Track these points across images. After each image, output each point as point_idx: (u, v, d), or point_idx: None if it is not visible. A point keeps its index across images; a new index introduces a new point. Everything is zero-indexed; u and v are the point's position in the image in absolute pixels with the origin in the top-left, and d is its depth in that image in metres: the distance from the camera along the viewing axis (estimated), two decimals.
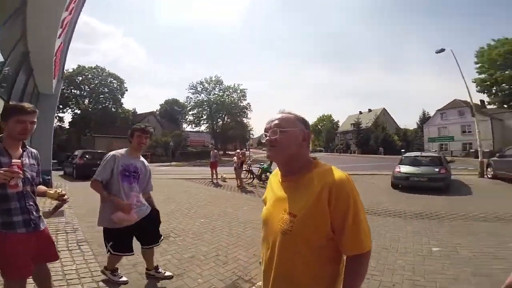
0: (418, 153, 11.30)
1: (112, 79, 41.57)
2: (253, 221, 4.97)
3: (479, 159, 12.68)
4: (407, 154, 11.01)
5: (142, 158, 2.59)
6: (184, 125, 53.03)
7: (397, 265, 3.02)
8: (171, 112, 54.21)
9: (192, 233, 4.25)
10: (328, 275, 1.04)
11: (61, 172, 14.93)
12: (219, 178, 11.29)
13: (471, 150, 32.36)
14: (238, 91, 50.13)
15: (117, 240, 2.36)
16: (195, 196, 7.68)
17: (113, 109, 41.33)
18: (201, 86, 50.06)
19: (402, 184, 8.83)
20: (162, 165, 25.74)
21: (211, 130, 50.17)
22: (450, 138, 38.00)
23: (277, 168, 1.25)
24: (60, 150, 26.38)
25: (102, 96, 40.79)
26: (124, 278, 2.54)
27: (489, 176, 11.17)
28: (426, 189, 8.23)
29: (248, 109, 50.61)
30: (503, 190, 8.49)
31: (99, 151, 15.40)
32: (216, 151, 12.10)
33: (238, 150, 11.71)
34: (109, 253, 2.42)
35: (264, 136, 1.12)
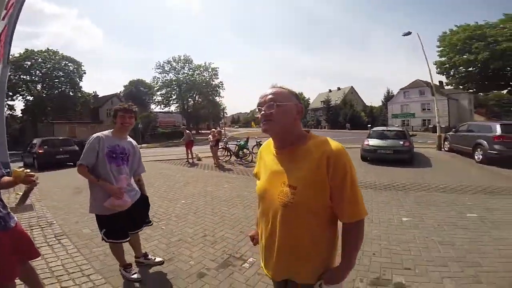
0: (384, 128, 11.98)
1: (67, 62, 37.70)
2: (236, 199, 5.03)
3: (437, 134, 13.85)
4: (375, 129, 11.53)
5: (130, 139, 2.45)
6: (152, 106, 50.69)
7: (374, 234, 3.25)
8: (137, 93, 51.20)
9: (175, 216, 4.19)
10: (327, 238, 1.10)
11: (21, 163, 13.65)
12: (194, 158, 11.11)
13: (429, 126, 35.31)
14: (210, 70, 48.35)
15: (110, 226, 2.25)
16: (171, 178, 7.50)
17: (71, 93, 37.94)
18: (169, 65, 47.53)
19: (371, 157, 9.37)
20: None
21: (182, 110, 48.45)
22: (412, 114, 40.70)
23: (267, 141, 1.27)
24: (14, 140, 24.10)
25: (57, 80, 37.06)
26: (136, 276, 2.38)
27: (445, 149, 12.27)
28: (392, 161, 8.85)
29: (221, 87, 49.29)
30: (458, 162, 9.39)
31: (61, 137, 14.29)
32: (188, 131, 11.75)
33: (213, 129, 11.50)
34: (103, 240, 2.32)
35: (258, 110, 1.12)
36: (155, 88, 48.49)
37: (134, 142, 2.47)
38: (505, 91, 30.38)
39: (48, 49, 36.74)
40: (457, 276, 2.30)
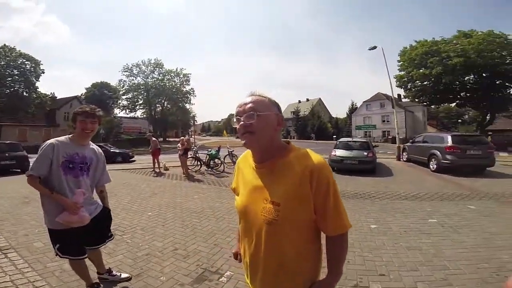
0: (350, 139, 12.59)
1: (24, 60, 34.47)
2: (207, 210, 4.83)
3: (397, 145, 14.84)
4: (341, 140, 12.04)
5: (92, 145, 2.18)
6: (117, 111, 48.16)
7: None
8: (100, 96, 48.35)
9: (141, 228, 3.88)
10: (313, 251, 1.07)
11: None
12: (161, 167, 10.62)
13: (389, 137, 37.97)
14: (181, 76, 47.36)
15: (63, 241, 1.97)
16: (136, 188, 7.04)
17: (25, 93, 34.56)
18: (138, 68, 45.80)
19: (338, 167, 9.71)
20: None
21: (149, 116, 46.59)
22: (373, 126, 43.51)
23: (245, 153, 1.20)
24: None
25: (9, 79, 33.59)
26: None
27: (404, 159, 13.15)
28: (357, 170, 9.27)
29: (192, 94, 48.41)
30: (415, 171, 10.10)
31: (7, 141, 12.84)
32: (155, 138, 11.22)
33: (182, 137, 11.15)
34: (57, 256, 2.03)
35: (236, 120, 1.03)
36: (121, 92, 46.19)
37: (98, 149, 2.21)
38: (453, 104, 33.79)
39: (5, 45, 33.40)
40: (428, 280, 2.39)
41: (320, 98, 66.20)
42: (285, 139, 1.11)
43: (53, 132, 35.71)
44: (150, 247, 3.17)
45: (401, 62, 29.55)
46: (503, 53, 23.55)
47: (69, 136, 2.06)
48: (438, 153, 9.57)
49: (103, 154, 2.26)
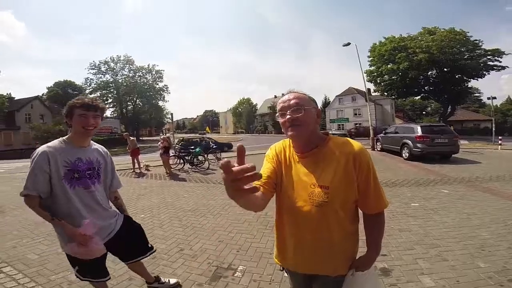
0: (327, 131, 13.05)
1: None
2: (201, 208, 4.83)
3: (371, 136, 15.70)
4: None
5: (96, 145, 1.82)
6: None
7: None
8: (64, 96, 45.24)
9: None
10: (354, 230, 1.18)
11: None
12: (141, 168, 10.28)
13: (360, 129, 39.65)
14: (153, 72, 45.66)
15: (83, 264, 1.66)
16: (120, 191, 6.78)
17: None
18: (106, 66, 43.27)
19: None
20: None
21: (120, 115, 44.46)
22: (346, 119, 45.25)
23: (276, 146, 1.28)
24: None
25: None
26: None
27: (378, 149, 13.97)
28: None
29: (165, 91, 46.89)
30: (390, 159, 10.77)
31: None
32: (133, 138, 10.78)
33: (161, 135, 10.85)
34: (77, 278, 1.78)
35: (280, 115, 1.13)
36: (87, 91, 43.52)
37: (102, 149, 1.86)
38: (418, 97, 36.28)
39: None
40: (425, 256, 2.66)
41: None
42: (323, 131, 1.22)
43: (14, 136, 32.86)
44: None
45: (371, 58, 31.01)
46: (462, 49, 25.63)
47: (64, 138, 1.66)
48: (410, 142, 10.30)
49: (109, 154, 1.91)
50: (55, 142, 1.62)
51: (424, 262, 2.55)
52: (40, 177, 1.50)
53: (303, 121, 1.08)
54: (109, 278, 1.86)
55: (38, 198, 1.52)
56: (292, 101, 1.10)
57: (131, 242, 1.93)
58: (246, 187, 0.63)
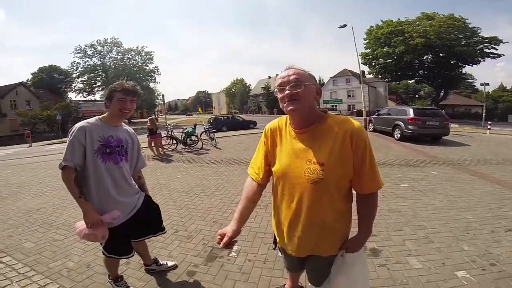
0: (326, 109, 13.13)
1: None
2: (196, 189, 4.85)
3: (363, 117, 15.86)
4: None
5: (125, 126, 1.92)
6: (72, 95, 44.38)
7: None
8: (50, 81, 43.73)
9: None
10: (347, 210, 1.20)
11: None
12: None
13: (354, 110, 39.99)
14: (143, 54, 44.11)
15: (108, 241, 1.76)
16: None
17: None
18: (93, 49, 41.62)
19: None
20: (51, 143, 21.16)
21: None
22: (340, 100, 45.25)
23: (274, 123, 1.29)
24: None
25: None
26: None
27: (370, 129, 14.15)
28: None
29: (156, 72, 45.58)
30: (382, 140, 10.89)
31: None
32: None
33: (151, 117, 10.61)
34: (104, 254, 1.88)
35: (279, 90, 1.12)
36: (74, 75, 42.14)
37: (131, 130, 1.96)
38: (412, 81, 36.37)
39: None
40: (413, 238, 2.76)
41: None
42: (321, 108, 1.21)
43: (1, 123, 31.95)
44: None
45: (367, 41, 30.71)
46: (460, 36, 25.48)
47: (100, 117, 1.78)
48: (402, 124, 10.46)
49: (136, 135, 2.01)
50: (92, 119, 1.74)
51: (412, 243, 2.64)
52: (77, 150, 1.60)
53: (302, 96, 1.07)
54: (133, 255, 1.96)
55: (75, 171, 1.61)
56: (292, 77, 1.09)
57: (149, 220, 2.02)
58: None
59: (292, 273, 1.62)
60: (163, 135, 9.80)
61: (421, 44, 25.72)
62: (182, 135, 10.39)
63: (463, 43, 25.64)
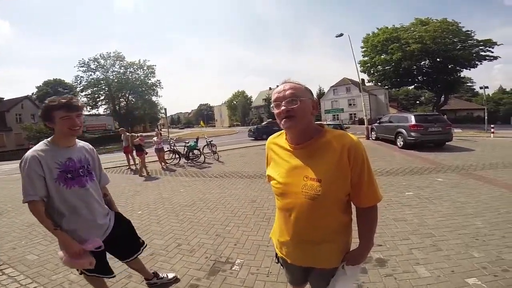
0: (324, 122, 13.18)
1: None
2: (198, 203, 4.81)
3: (365, 125, 15.84)
4: (315, 123, 12.67)
5: (81, 143, 1.78)
6: None
7: None
8: (55, 95, 44.23)
9: (136, 228, 3.68)
10: (347, 223, 1.18)
11: None
12: (137, 164, 10.13)
13: (355, 119, 40.01)
14: (145, 68, 44.97)
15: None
16: (116, 188, 6.72)
17: None
18: (96, 63, 42.53)
19: None
20: None
21: (113, 111, 43.96)
22: (341, 110, 45.43)
23: (273, 138, 1.27)
24: None
25: None
26: None
27: (373, 138, 14.13)
28: None
29: (158, 86, 46.33)
30: (384, 148, 10.84)
31: None
32: (128, 133, 10.58)
33: (156, 130, 10.67)
34: (83, 274, 1.82)
35: (275, 106, 1.11)
36: (78, 89, 42.88)
37: (88, 146, 1.83)
38: (411, 87, 36.53)
39: None
40: (420, 246, 2.69)
41: None
42: (318, 122, 1.20)
43: (6, 137, 32.36)
44: (152, 246, 3.11)
45: (365, 49, 31.07)
46: (455, 40, 25.76)
47: (48, 141, 1.62)
48: (404, 131, 10.40)
49: (95, 150, 1.89)
50: (40, 146, 1.58)
51: (419, 252, 2.58)
52: (37, 181, 1.48)
53: (298, 112, 1.06)
54: (114, 276, 1.91)
55: (43, 203, 1.51)
56: (287, 92, 1.07)
57: (124, 239, 1.95)
58: None
59: (295, 287, 1.58)
60: (165, 149, 9.86)
61: (417, 49, 25.97)
62: (184, 149, 10.43)
63: (458, 47, 25.83)
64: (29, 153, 1.53)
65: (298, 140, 1.14)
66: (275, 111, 1.11)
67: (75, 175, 1.60)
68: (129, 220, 2.10)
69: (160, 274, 2.31)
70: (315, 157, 1.09)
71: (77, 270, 1.80)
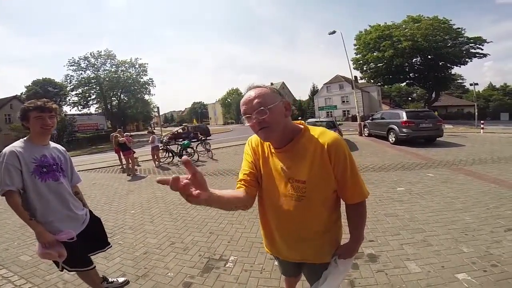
0: (317, 119, 13.32)
1: None
2: None
3: (358, 122, 16.01)
4: (309, 120, 12.84)
5: (54, 144, 1.91)
6: (66, 108, 44.09)
7: None
8: (44, 94, 43.70)
9: (129, 227, 3.76)
10: (335, 219, 1.20)
11: None
12: (123, 164, 9.94)
13: (349, 116, 40.32)
14: (137, 66, 44.50)
15: (69, 255, 1.75)
16: (109, 188, 6.66)
17: None
18: (86, 62, 41.88)
19: None
20: None
21: (105, 111, 43.36)
22: (334, 106, 45.45)
23: (253, 139, 1.24)
24: None
25: None
26: None
27: (365, 134, 14.29)
28: None
29: (151, 84, 45.86)
30: (377, 144, 10.97)
31: None
32: (112, 134, 10.39)
33: (149, 129, 10.54)
34: (64, 270, 1.84)
35: (246, 119, 1.06)
36: (69, 88, 42.18)
37: (60, 147, 1.96)
38: (403, 84, 36.91)
39: None
40: (411, 242, 2.73)
41: (283, 82, 67.20)
42: (297, 120, 1.19)
43: None
44: (145, 245, 3.10)
45: (357, 46, 31.15)
46: (446, 37, 26.06)
47: (25, 139, 1.74)
48: (396, 127, 10.55)
49: (66, 152, 2.00)
50: (17, 143, 1.70)
51: (410, 247, 2.62)
52: (14, 173, 1.58)
53: (271, 121, 1.02)
54: (94, 267, 1.97)
55: (19, 194, 1.59)
56: (254, 102, 1.01)
57: (96, 234, 2.03)
58: (195, 193, 0.69)
59: (288, 278, 1.60)
60: (160, 147, 9.80)
61: (409, 47, 26.21)
62: (178, 148, 10.37)
63: (449, 44, 26.15)
64: (7, 148, 1.64)
65: (278, 144, 1.12)
66: (248, 124, 1.06)
67: (49, 170, 1.72)
68: (100, 218, 2.15)
69: (110, 279, 2.29)
70: (297, 159, 1.09)
71: (57, 267, 1.82)
